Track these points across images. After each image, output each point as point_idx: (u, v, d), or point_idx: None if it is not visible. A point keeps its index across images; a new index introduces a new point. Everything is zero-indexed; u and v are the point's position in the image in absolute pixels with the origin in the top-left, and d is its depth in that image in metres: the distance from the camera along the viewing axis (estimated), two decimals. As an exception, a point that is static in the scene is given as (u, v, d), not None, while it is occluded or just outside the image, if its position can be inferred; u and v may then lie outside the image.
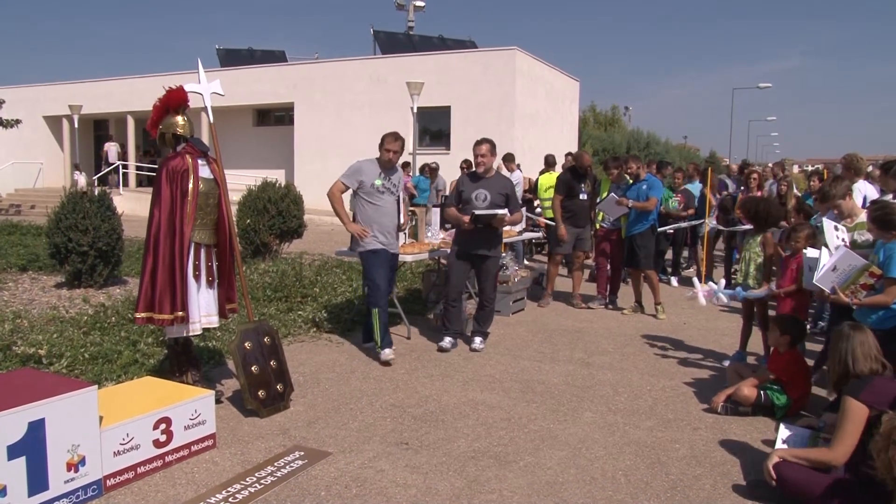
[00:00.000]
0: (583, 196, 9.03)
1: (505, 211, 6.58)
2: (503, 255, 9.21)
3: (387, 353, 6.25)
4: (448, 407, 5.20)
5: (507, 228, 9.36)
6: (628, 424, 4.91)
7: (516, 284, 8.63)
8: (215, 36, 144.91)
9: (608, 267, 9.24)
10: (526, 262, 11.22)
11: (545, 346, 7.07)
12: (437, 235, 8.25)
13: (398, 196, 6.53)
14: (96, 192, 9.46)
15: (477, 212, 6.52)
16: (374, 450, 4.37)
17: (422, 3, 30.69)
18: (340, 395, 5.42)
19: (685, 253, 12.56)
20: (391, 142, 6.30)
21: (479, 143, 6.79)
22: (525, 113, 22.61)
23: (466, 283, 9.16)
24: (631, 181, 8.66)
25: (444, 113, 22.87)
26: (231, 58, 29.64)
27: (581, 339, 7.42)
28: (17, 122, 22.86)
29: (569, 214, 8.97)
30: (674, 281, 11.23)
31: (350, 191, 6.43)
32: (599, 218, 9.24)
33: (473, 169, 6.98)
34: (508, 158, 12.49)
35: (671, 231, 10.81)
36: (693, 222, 10.70)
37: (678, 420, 5.02)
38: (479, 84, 22.16)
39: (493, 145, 6.79)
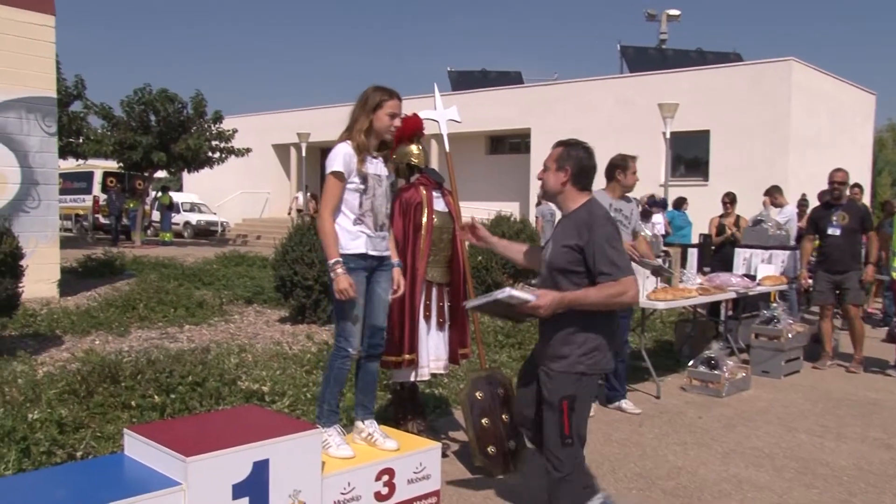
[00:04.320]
0: (832, 231, 8.15)
1: None
2: (773, 305, 8.63)
3: (628, 405, 6.49)
4: (705, 483, 4.88)
5: (775, 273, 8.80)
6: (945, 529, 4.31)
7: (790, 341, 8.00)
8: (447, 57, 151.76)
9: None
10: (802, 315, 10.44)
11: (828, 419, 6.45)
12: (693, 280, 7.89)
13: (630, 230, 6.36)
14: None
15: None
16: (616, 527, 4.20)
17: (676, 13, 30.04)
18: (578, 458, 5.30)
19: None
20: (631, 162, 6.20)
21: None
22: (802, 136, 21.25)
23: (723, 331, 8.73)
24: None
25: (701, 138, 22.19)
26: (463, 80, 30.87)
27: (877, 413, 6.68)
28: (248, 150, 25.13)
29: (820, 258, 8.31)
30: None
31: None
32: (894, 263, 8.45)
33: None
34: (776, 190, 11.81)
35: None
36: None
37: None
38: (745, 103, 21.21)
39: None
